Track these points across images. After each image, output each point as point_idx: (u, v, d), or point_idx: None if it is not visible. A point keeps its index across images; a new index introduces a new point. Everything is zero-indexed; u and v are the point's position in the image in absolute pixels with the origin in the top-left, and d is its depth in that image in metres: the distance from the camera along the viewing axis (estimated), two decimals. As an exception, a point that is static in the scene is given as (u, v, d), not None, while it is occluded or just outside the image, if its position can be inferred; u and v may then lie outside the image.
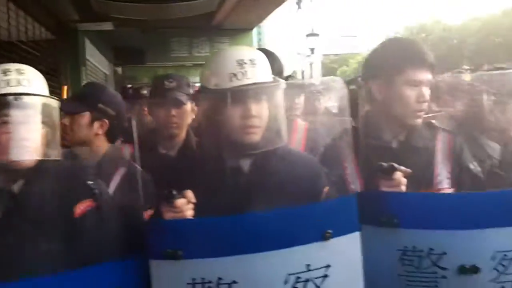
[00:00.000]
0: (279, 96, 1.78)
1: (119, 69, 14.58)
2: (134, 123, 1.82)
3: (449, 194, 1.88)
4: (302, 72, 22.69)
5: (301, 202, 1.68)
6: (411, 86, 1.88)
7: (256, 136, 1.73)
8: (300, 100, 3.29)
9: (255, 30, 13.11)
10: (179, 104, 2.81)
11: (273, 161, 1.79)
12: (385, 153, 1.86)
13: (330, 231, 1.57)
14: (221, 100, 1.70)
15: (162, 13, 8.19)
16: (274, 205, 1.65)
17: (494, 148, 2.30)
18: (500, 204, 1.63)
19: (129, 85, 9.31)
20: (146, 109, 3.37)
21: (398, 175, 1.70)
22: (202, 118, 1.85)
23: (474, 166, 2.03)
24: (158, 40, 11.49)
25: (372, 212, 1.65)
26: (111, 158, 2.30)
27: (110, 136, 2.42)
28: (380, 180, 1.72)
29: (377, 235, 1.65)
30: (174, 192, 1.60)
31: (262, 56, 1.79)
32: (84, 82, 9.07)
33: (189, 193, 1.62)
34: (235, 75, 1.69)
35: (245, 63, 1.71)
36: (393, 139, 1.93)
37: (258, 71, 1.73)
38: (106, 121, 2.38)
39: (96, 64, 11.27)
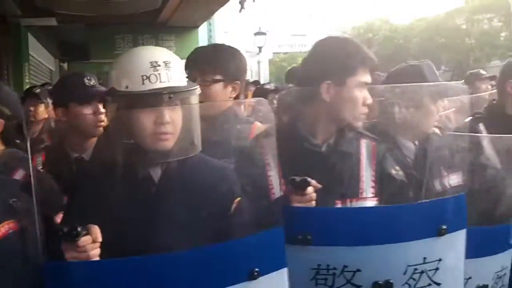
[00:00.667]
0: (195, 101, 1.70)
1: (65, 65, 14.40)
2: (24, 123, 1.75)
3: (361, 208, 1.85)
4: (251, 70, 22.95)
5: (212, 213, 1.63)
6: (360, 88, 1.85)
7: (168, 143, 1.64)
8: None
9: (205, 27, 13.20)
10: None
11: (185, 170, 1.70)
12: (314, 157, 1.83)
13: (257, 269, 1.47)
14: (132, 104, 1.61)
15: (106, 9, 8.20)
16: (184, 217, 1.60)
17: (409, 148, 2.27)
18: (409, 218, 1.66)
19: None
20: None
21: (310, 189, 1.66)
22: (112, 122, 1.73)
23: (396, 171, 2.03)
24: (103, 36, 11.42)
25: (286, 229, 1.56)
26: (6, 161, 2.09)
27: (6, 137, 2.19)
28: (292, 195, 1.67)
29: (290, 253, 1.57)
30: (79, 229, 1.41)
31: (177, 58, 1.70)
32: (27, 77, 8.97)
33: (95, 229, 1.45)
34: (148, 77, 1.59)
35: (159, 65, 1.61)
36: (323, 143, 1.89)
37: (173, 74, 1.63)
38: (2, 121, 2.16)
39: (40, 59, 11.13)
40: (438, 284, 1.68)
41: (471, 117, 2.79)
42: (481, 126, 2.65)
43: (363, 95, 1.85)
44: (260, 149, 1.86)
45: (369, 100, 1.87)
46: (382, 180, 1.92)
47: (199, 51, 2.51)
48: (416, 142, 2.27)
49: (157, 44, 11.01)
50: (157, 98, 1.61)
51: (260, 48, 19.83)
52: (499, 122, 2.63)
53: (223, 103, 2.29)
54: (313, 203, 1.67)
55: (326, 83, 1.83)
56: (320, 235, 1.60)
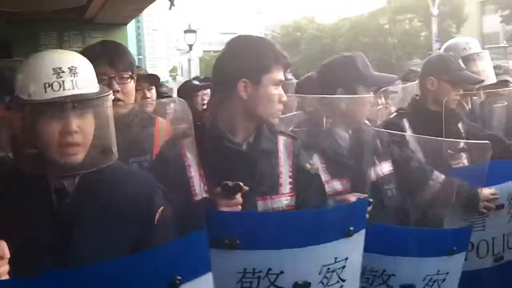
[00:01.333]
0: (106, 108, 1.58)
1: (-15, 63, 13.77)
2: None
3: (285, 213, 1.88)
4: (181, 68, 22.70)
5: (132, 224, 1.57)
6: (276, 85, 1.87)
7: (78, 155, 1.52)
8: (152, 93, 3.34)
9: (133, 25, 12.94)
10: None
11: (102, 180, 1.59)
12: (235, 156, 1.84)
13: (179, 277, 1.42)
14: (34, 114, 1.50)
15: (28, 5, 7.92)
16: (101, 229, 1.54)
17: (344, 138, 2.30)
18: (324, 221, 1.76)
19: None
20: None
21: (239, 194, 1.67)
22: (18, 131, 1.55)
23: (310, 165, 2.07)
24: (26, 33, 11.00)
25: (213, 233, 1.55)
26: None
27: None
28: (221, 199, 1.68)
29: (217, 257, 1.56)
30: None
31: (85, 62, 1.59)
32: None
33: (1, 245, 1.34)
34: (50, 85, 1.48)
35: (63, 72, 1.50)
36: (244, 142, 1.90)
37: (80, 81, 1.52)
38: None
39: (-42, 56, 10.59)
40: (344, 280, 1.79)
41: (395, 113, 2.91)
42: (405, 122, 2.75)
43: (278, 92, 1.88)
44: (178, 150, 1.84)
45: (284, 98, 1.90)
46: (299, 175, 1.95)
47: (100, 47, 2.28)
48: (350, 132, 2.32)
49: (84, 42, 10.73)
50: (60, 107, 1.49)
51: (190, 46, 19.67)
52: (422, 117, 2.73)
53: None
54: (240, 207, 1.70)
55: (243, 81, 1.84)
56: (247, 239, 1.62)
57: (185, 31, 20.15)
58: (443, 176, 2.44)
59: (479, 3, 38.85)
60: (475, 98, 3.47)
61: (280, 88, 1.90)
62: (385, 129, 2.82)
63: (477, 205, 2.39)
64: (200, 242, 1.49)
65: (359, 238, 1.82)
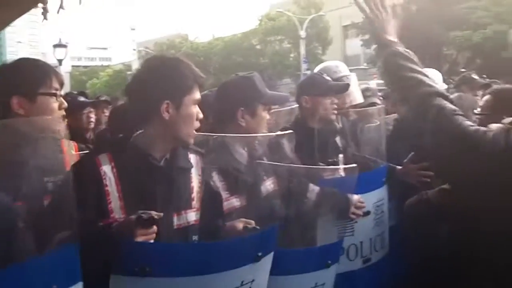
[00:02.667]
0: None
1: None
2: None
3: (197, 244, 1.95)
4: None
5: None
6: (195, 105, 1.92)
7: None
8: None
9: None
10: None
11: None
12: (154, 173, 1.87)
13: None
14: None
15: None
16: None
17: (242, 154, 2.35)
18: (233, 249, 1.84)
19: None
20: None
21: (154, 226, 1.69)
22: None
23: (213, 182, 2.17)
24: None
25: (125, 261, 1.64)
26: None
27: None
28: (136, 230, 1.69)
29: (125, 284, 1.66)
30: None
31: None
32: None
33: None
34: None
35: None
36: (161, 159, 1.92)
37: None
38: None
39: None
40: None
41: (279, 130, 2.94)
42: (284, 139, 2.78)
43: (196, 111, 1.93)
44: (94, 166, 1.85)
45: (201, 115, 1.95)
46: (204, 191, 2.03)
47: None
48: (246, 149, 2.39)
49: None
50: None
51: (60, 61, 18.74)
52: (303, 134, 2.82)
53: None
54: (154, 236, 1.72)
55: (166, 102, 1.86)
56: (158, 267, 1.67)
57: (55, 45, 19.13)
58: (317, 187, 2.56)
59: (342, 28, 41.59)
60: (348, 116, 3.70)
61: (197, 106, 1.95)
62: (268, 144, 3.07)
63: (349, 210, 2.63)
64: (72, 254, 1.52)
65: (267, 261, 1.93)
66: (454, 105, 1.79)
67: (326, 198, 2.54)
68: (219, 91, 2.54)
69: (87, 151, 2.18)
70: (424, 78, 1.83)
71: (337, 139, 3.12)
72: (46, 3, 5.54)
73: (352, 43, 38.84)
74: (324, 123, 3.02)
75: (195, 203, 1.99)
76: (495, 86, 2.70)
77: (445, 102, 1.77)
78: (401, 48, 1.91)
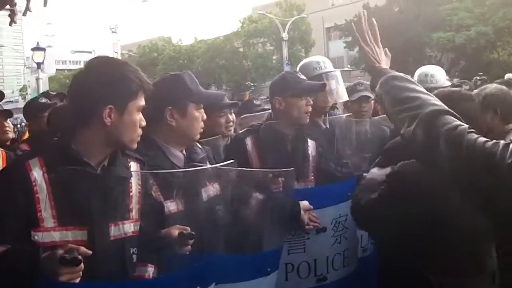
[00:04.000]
0: None
1: None
2: None
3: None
4: (29, 87, 21.49)
5: None
6: (139, 111, 1.85)
7: None
8: None
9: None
10: None
11: None
12: (90, 180, 1.77)
13: None
14: None
15: None
16: None
17: (178, 157, 2.26)
18: (244, 264, 1.99)
19: None
20: None
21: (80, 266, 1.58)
22: None
23: (154, 192, 2.07)
24: None
25: None
26: None
27: None
28: (60, 269, 1.56)
29: None
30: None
31: None
32: None
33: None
34: None
35: None
36: (99, 165, 1.83)
37: None
38: None
39: None
40: None
41: (247, 128, 2.89)
42: (248, 140, 2.76)
43: (140, 117, 1.86)
44: (24, 171, 1.72)
45: (143, 122, 1.87)
46: (145, 201, 1.95)
47: None
48: (184, 151, 2.28)
49: None
50: None
51: (38, 64, 18.55)
52: (272, 136, 2.74)
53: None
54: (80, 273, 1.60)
55: (109, 107, 1.77)
56: None
57: (33, 49, 19.01)
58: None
59: (325, 30, 41.77)
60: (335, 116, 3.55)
61: (140, 113, 1.87)
62: (230, 143, 2.88)
63: (299, 214, 2.49)
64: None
65: (273, 275, 2.07)
66: (458, 118, 1.74)
67: (272, 203, 2.35)
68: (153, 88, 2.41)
69: (18, 156, 1.99)
70: (429, 97, 1.80)
71: (310, 145, 2.88)
72: (14, 5, 5.31)
73: (335, 45, 39.08)
74: (297, 126, 2.80)
75: (133, 214, 1.89)
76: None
77: (454, 119, 1.72)
78: (399, 73, 1.90)
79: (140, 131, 1.86)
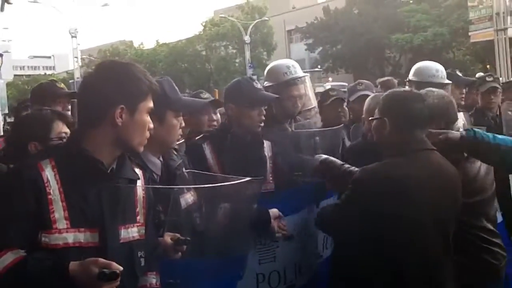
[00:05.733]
0: None
1: None
2: None
3: None
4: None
5: None
6: (148, 113, 1.85)
7: None
8: None
9: None
10: None
11: None
12: (104, 181, 1.78)
13: None
14: None
15: None
16: None
17: (156, 164, 2.26)
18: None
19: None
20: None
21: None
22: None
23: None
24: None
25: None
26: None
27: None
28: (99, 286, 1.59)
29: None
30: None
31: None
32: None
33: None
34: None
35: None
36: (108, 168, 1.82)
37: None
38: None
39: None
40: None
41: (203, 134, 2.87)
42: (206, 145, 2.74)
43: (149, 120, 1.85)
44: (37, 172, 1.71)
45: (151, 125, 1.86)
46: (149, 206, 1.95)
47: None
48: (161, 158, 2.27)
49: None
50: None
51: (-4, 70, 18.05)
52: (228, 141, 2.72)
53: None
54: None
55: (120, 107, 1.76)
56: None
57: (-11, 55, 18.52)
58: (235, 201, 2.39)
59: (286, 32, 42.07)
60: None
61: (148, 116, 1.86)
62: (187, 149, 2.81)
63: (269, 222, 2.50)
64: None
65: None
66: None
67: (239, 211, 2.35)
68: None
69: (29, 157, 1.99)
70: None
71: (266, 146, 2.86)
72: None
73: (296, 47, 39.42)
74: (249, 133, 2.78)
75: (139, 218, 1.88)
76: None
77: None
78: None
79: (148, 134, 1.86)
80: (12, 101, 23.24)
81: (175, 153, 2.35)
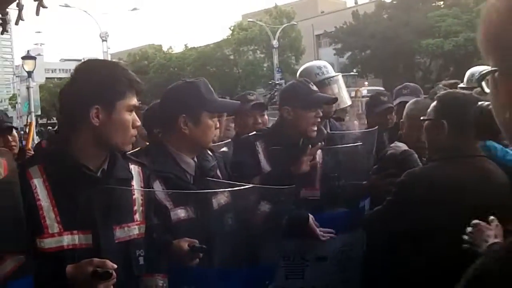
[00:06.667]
0: None
1: None
2: None
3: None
4: (19, 96, 21.38)
5: None
6: (130, 111, 1.80)
7: None
8: None
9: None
10: None
11: None
12: (91, 184, 1.76)
13: None
14: None
15: None
16: None
17: (190, 164, 2.23)
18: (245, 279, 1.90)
19: None
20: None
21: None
22: None
23: (157, 193, 2.07)
24: None
25: None
26: None
27: None
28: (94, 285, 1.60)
29: None
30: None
31: None
32: None
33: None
34: None
35: None
36: (98, 169, 1.81)
37: None
38: None
39: None
40: None
41: (254, 132, 2.85)
42: (259, 143, 2.70)
43: (132, 118, 1.81)
44: (25, 181, 1.72)
45: (138, 123, 1.84)
46: (149, 203, 1.94)
47: None
48: (195, 158, 2.25)
49: None
50: None
51: (29, 72, 18.41)
52: (280, 142, 2.68)
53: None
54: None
55: (95, 107, 1.73)
56: None
57: (23, 57, 18.88)
58: (268, 206, 2.41)
59: (315, 37, 41.95)
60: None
61: (134, 113, 1.82)
62: (237, 146, 2.82)
63: (307, 220, 2.48)
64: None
65: None
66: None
67: (279, 213, 2.35)
68: (162, 97, 2.37)
69: (18, 164, 1.99)
70: None
71: (317, 152, 2.81)
72: (6, 14, 5.30)
73: (325, 52, 39.20)
74: (303, 137, 2.72)
75: (137, 217, 1.87)
76: (441, 92, 2.63)
77: None
78: None
79: (133, 132, 1.83)
80: (44, 104, 23.63)
81: (210, 154, 2.32)
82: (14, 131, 3.72)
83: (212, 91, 2.28)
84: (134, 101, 1.82)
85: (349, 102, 3.48)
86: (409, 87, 3.83)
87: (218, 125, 2.29)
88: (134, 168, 1.93)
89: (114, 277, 1.58)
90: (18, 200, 1.64)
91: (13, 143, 3.58)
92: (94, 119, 1.74)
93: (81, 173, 1.74)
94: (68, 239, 1.70)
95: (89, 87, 1.75)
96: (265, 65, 37.93)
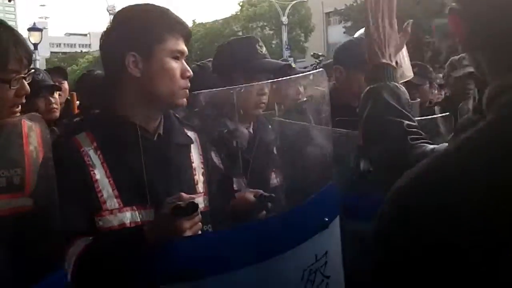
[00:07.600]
0: None
1: None
2: None
3: (254, 224, 1.66)
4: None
5: None
6: (174, 58, 1.57)
7: None
8: None
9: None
10: None
11: None
12: (147, 147, 1.56)
13: None
14: None
15: None
16: None
17: (243, 133, 2.09)
18: (298, 220, 1.51)
19: None
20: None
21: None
22: None
23: (218, 161, 1.92)
24: None
25: (169, 268, 1.34)
26: None
27: None
28: (177, 223, 1.37)
29: None
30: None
31: None
32: None
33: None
34: None
35: None
36: (154, 133, 1.61)
37: None
38: None
39: None
40: (328, 277, 1.56)
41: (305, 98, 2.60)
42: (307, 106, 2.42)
43: (179, 66, 1.57)
44: (73, 149, 1.50)
45: (189, 72, 1.58)
46: (210, 173, 1.75)
47: None
48: (251, 129, 2.13)
49: None
50: None
51: (35, 45, 18.30)
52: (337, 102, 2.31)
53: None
54: (200, 224, 1.43)
55: (131, 54, 1.53)
56: (218, 263, 1.35)
57: (29, 29, 18.79)
58: None
59: (325, 14, 41.48)
60: None
61: (183, 61, 1.59)
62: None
63: None
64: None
65: (334, 227, 1.61)
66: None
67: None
68: (217, 53, 2.27)
69: (60, 134, 1.80)
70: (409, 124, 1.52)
71: None
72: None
73: (334, 30, 38.75)
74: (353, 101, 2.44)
75: (200, 187, 1.67)
76: None
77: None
78: (392, 83, 1.60)
79: (183, 83, 1.58)
80: (50, 77, 23.54)
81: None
82: (56, 93, 3.22)
83: (263, 49, 2.23)
84: (178, 45, 1.58)
85: (411, 75, 3.25)
86: (418, 66, 3.69)
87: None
88: (191, 134, 1.73)
89: (199, 212, 1.39)
90: (67, 177, 1.44)
91: (55, 106, 3.14)
92: (133, 68, 1.54)
93: (138, 136, 1.53)
94: (131, 215, 1.50)
95: (123, 33, 1.56)
96: (274, 42, 37.59)
